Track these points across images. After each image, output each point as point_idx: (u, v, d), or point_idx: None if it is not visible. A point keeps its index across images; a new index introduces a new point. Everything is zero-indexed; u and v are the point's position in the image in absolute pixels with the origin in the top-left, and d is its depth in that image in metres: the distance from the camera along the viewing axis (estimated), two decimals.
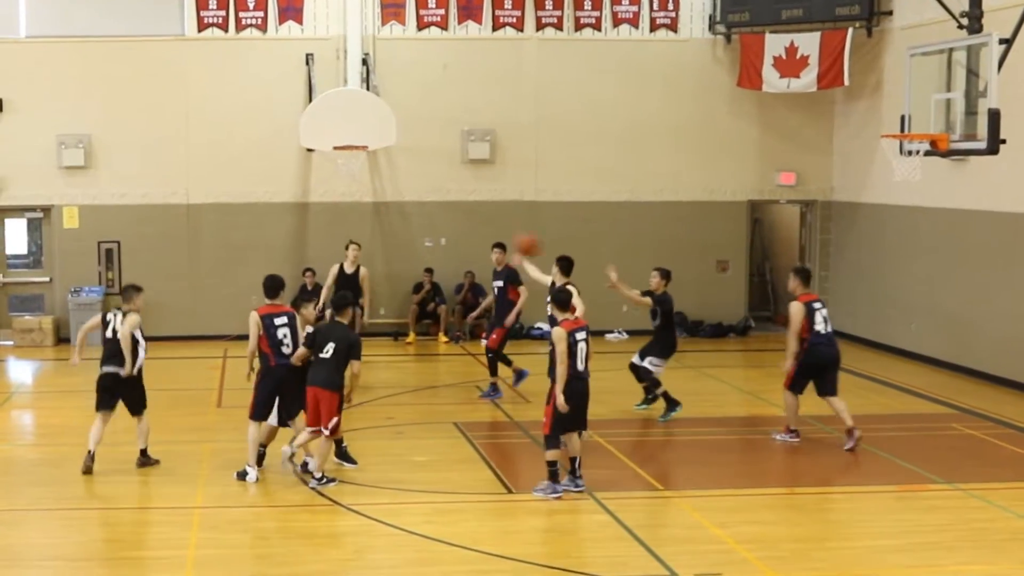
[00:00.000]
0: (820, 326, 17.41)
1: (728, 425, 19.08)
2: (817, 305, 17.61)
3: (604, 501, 14.83)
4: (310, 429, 15.48)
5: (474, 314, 27.13)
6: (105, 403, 16.20)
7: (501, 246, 21.31)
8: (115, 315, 16.20)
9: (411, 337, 27.32)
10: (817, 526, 14.57)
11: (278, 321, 15.69)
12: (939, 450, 17.72)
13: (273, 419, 15.82)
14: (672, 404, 19.20)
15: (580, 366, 15.05)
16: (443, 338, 27.33)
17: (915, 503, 15.07)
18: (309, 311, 16.35)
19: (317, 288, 27.12)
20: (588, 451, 17.35)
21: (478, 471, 16.36)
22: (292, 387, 15.63)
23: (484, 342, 21.32)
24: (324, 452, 15.55)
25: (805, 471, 16.77)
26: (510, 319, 20.67)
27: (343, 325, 15.71)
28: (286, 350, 15.66)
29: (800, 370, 17.50)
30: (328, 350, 15.39)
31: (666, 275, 19.44)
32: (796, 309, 17.48)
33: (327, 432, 15.31)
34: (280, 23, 27.14)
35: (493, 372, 20.83)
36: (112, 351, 16.07)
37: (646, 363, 19.34)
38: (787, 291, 18.72)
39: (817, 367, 17.46)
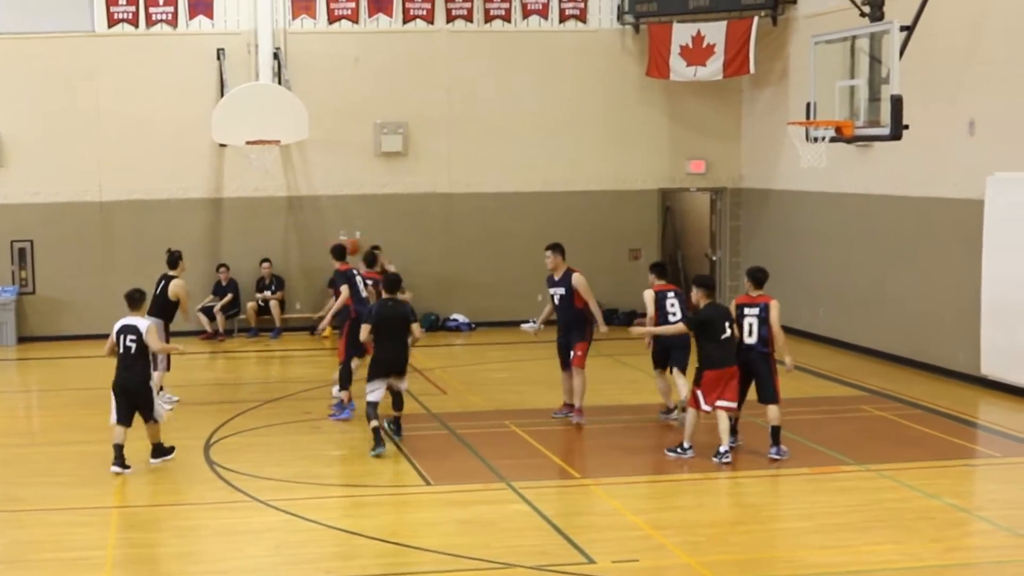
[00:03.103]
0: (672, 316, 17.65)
1: (643, 412, 19.12)
2: (670, 295, 17.77)
3: (522, 491, 14.83)
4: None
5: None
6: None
7: (558, 248, 18.41)
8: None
9: (327, 331, 27.17)
10: (732, 510, 14.69)
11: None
12: (850, 432, 17.89)
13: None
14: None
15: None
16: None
17: (827, 485, 15.19)
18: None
19: (231, 283, 27.02)
20: (505, 442, 17.40)
21: (396, 464, 16.32)
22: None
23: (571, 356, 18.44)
24: None
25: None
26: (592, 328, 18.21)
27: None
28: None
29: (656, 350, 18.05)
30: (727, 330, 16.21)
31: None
32: (648, 296, 17.98)
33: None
34: (191, 18, 26.88)
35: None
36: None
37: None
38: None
39: (665, 347, 17.91)
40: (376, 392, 16.78)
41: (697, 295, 16.64)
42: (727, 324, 16.12)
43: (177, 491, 15.49)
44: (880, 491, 14.91)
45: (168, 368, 19.74)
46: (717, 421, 16.23)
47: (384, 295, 17.13)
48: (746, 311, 16.31)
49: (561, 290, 18.02)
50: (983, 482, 16.02)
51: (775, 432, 16.35)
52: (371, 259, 21.09)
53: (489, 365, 23.70)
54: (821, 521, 13.82)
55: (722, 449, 16.07)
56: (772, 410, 16.29)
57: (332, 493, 15.16)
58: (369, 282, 19.42)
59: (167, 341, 19.45)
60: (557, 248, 18.27)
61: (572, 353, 18.11)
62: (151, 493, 15.24)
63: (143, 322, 16.14)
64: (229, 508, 14.55)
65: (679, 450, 16.40)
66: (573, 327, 18.11)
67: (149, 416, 16.10)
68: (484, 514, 14.21)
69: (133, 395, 15.98)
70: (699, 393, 16.22)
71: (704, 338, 16.20)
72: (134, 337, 15.92)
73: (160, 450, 16.33)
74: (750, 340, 16.23)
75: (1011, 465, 16.31)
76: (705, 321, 16.23)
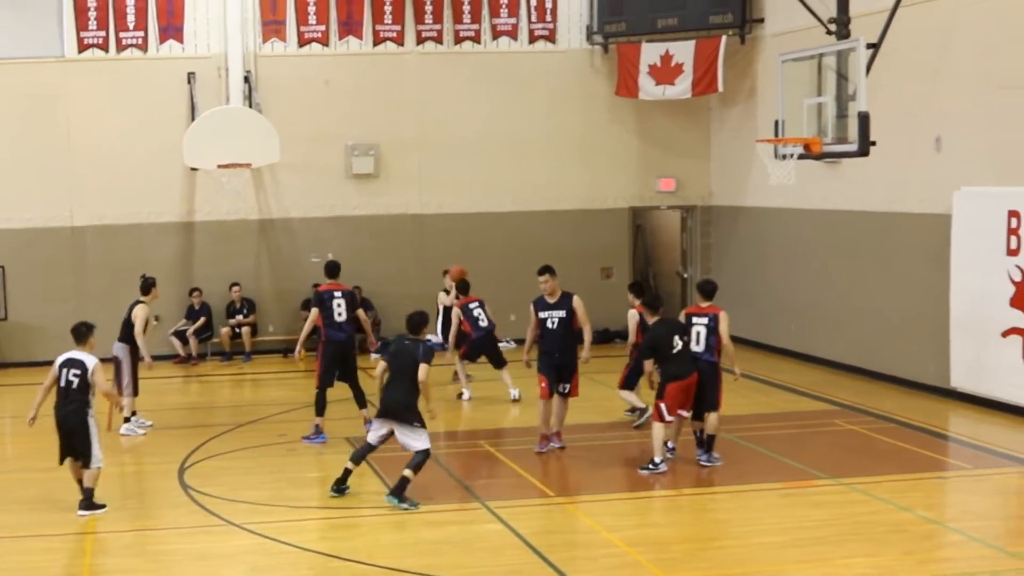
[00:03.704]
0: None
1: (616, 430, 19.17)
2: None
3: (497, 510, 14.84)
4: None
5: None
6: None
7: (553, 271, 17.83)
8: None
9: (302, 354, 27.07)
10: (706, 526, 14.72)
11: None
12: (822, 446, 17.96)
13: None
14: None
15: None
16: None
17: (800, 499, 15.24)
18: None
19: (204, 307, 26.96)
20: (480, 462, 17.40)
21: (372, 485, 16.27)
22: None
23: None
24: None
25: (691, 473, 16.86)
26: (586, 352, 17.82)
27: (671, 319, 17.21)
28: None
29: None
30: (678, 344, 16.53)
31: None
32: (632, 318, 18.79)
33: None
34: (161, 42, 26.85)
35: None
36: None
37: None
38: (670, 296, 18.95)
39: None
40: (373, 434, 15.57)
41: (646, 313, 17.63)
42: (676, 337, 16.53)
43: (151, 516, 15.45)
44: (853, 505, 14.97)
45: (136, 392, 19.71)
46: (652, 432, 16.64)
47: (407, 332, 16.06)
48: (695, 320, 16.78)
49: (561, 313, 17.49)
50: (955, 494, 16.11)
51: (710, 440, 16.74)
52: (465, 286, 21.25)
53: (458, 386, 23.63)
54: (795, 536, 13.86)
55: (656, 460, 16.46)
56: (712, 418, 16.71)
57: (308, 516, 15.13)
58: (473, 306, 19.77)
59: (136, 365, 19.46)
60: (552, 271, 17.64)
61: (565, 386, 17.65)
62: (125, 518, 15.17)
63: (90, 359, 15.33)
64: (204, 532, 14.51)
65: (651, 466, 16.46)
66: (568, 353, 17.63)
67: (87, 461, 15.21)
68: (459, 534, 14.20)
69: (70, 435, 15.19)
70: (662, 406, 16.49)
71: (659, 357, 16.60)
72: (78, 372, 15.20)
73: (90, 501, 15.19)
74: (697, 348, 16.64)
75: (982, 477, 16.40)
76: (654, 344, 16.70)
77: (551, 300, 17.53)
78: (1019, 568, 12.75)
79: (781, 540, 13.77)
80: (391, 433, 15.37)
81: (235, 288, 27.26)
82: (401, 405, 15.31)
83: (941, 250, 20.67)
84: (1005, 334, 19.50)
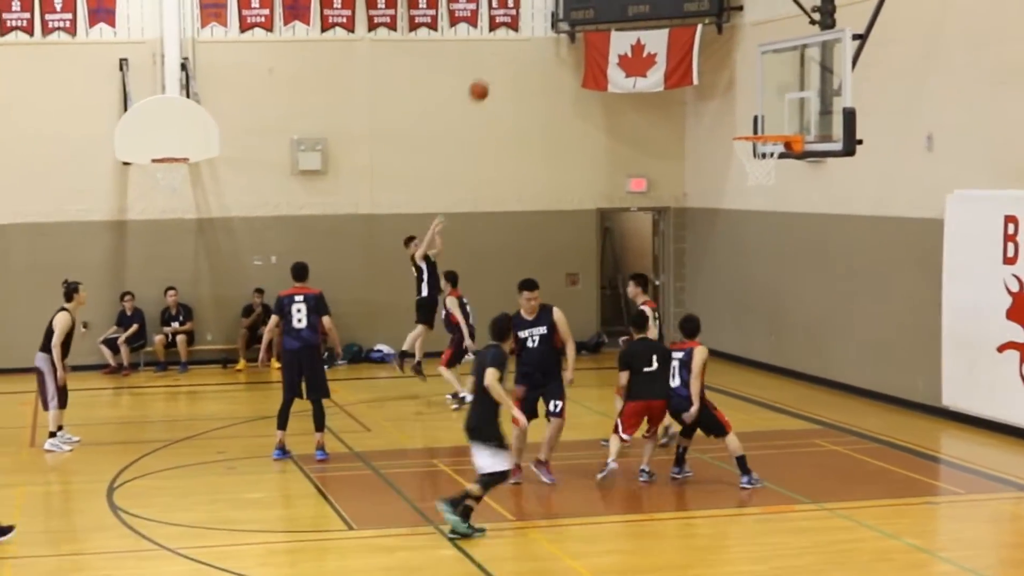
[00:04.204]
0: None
1: (581, 449, 19.12)
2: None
3: (451, 535, 14.80)
4: None
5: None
6: None
7: (535, 285, 17.26)
8: None
9: (241, 364, 27.07)
10: (678, 553, 14.68)
11: None
12: (803, 468, 17.99)
13: None
14: None
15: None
16: (276, 364, 27.04)
17: (780, 525, 15.26)
18: None
19: (137, 313, 26.81)
20: (434, 482, 17.35)
21: (316, 507, 16.25)
22: None
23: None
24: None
25: (664, 496, 16.86)
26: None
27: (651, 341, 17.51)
28: None
29: None
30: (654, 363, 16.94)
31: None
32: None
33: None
34: (91, 25, 26.72)
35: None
36: None
37: None
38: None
39: None
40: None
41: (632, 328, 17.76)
42: (654, 357, 16.94)
43: (78, 539, 15.35)
44: (836, 531, 14.99)
45: (64, 405, 19.59)
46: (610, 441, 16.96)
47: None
48: (673, 355, 17.08)
49: (542, 329, 16.98)
50: (946, 521, 16.14)
51: (740, 462, 16.84)
52: (454, 278, 21.55)
53: (417, 400, 23.62)
54: (773, 564, 13.87)
55: (610, 463, 16.80)
56: (728, 441, 16.94)
57: (247, 540, 15.05)
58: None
59: (62, 375, 19.35)
60: (536, 285, 17.12)
61: (557, 404, 17.09)
62: (49, 542, 15.07)
63: None
64: (135, 557, 14.40)
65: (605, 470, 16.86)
66: (551, 373, 17.14)
67: None
68: (411, 560, 14.16)
69: None
70: (618, 421, 16.97)
71: (631, 372, 16.94)
72: None
73: None
74: (674, 383, 16.89)
75: (975, 502, 16.44)
76: (629, 359, 17.09)
77: (529, 317, 17.10)
78: None
79: (758, 569, 13.78)
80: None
81: (170, 293, 27.11)
82: (473, 424, 15.05)
83: (932, 257, 20.74)
84: (1001, 349, 19.57)
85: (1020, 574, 13.43)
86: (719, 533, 15.32)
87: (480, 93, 18.73)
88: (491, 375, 14.74)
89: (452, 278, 22.64)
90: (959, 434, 20.05)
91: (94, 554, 14.75)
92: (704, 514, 15.96)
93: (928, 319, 20.95)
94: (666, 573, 13.71)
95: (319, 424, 18.71)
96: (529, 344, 17.02)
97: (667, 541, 15.16)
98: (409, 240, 23.86)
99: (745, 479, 16.69)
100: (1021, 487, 16.83)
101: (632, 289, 19.42)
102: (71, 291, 20.04)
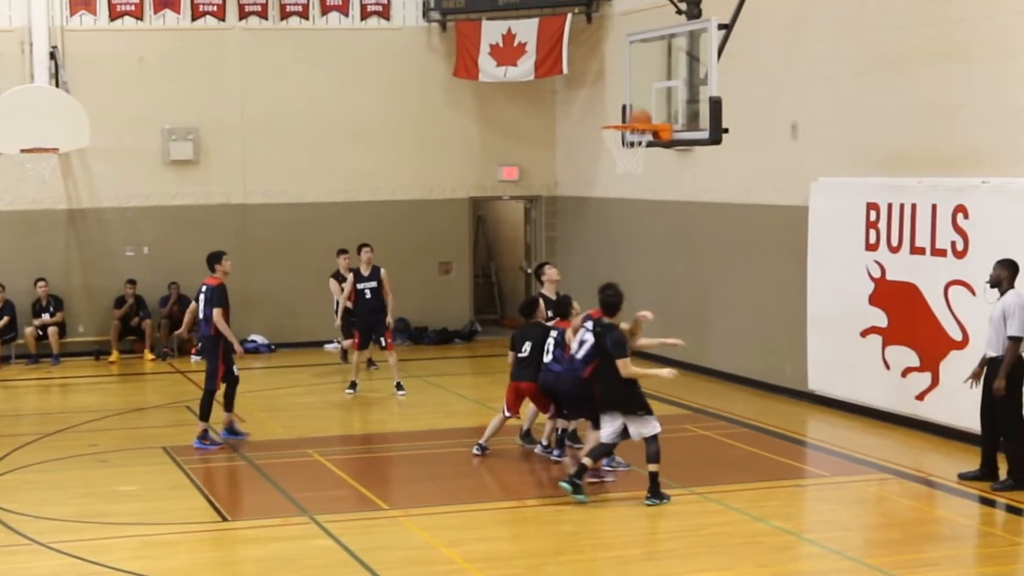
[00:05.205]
0: None
1: (455, 437, 19.15)
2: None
3: (326, 524, 14.73)
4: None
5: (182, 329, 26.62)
6: None
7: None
8: None
9: (114, 356, 26.76)
10: (550, 539, 14.71)
11: None
12: (674, 453, 17.98)
13: None
14: None
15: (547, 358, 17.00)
16: (149, 355, 26.83)
17: (651, 510, 15.33)
18: None
19: (7, 305, 26.40)
20: (308, 472, 17.28)
21: (190, 499, 16.10)
22: None
23: None
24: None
25: (534, 483, 16.94)
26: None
27: (540, 325, 17.60)
28: None
29: None
30: (526, 349, 17.34)
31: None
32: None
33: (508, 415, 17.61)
34: None
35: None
36: None
37: None
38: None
39: None
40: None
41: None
42: (528, 343, 17.46)
43: None
44: (705, 515, 15.12)
45: None
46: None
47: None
48: (551, 333, 17.38)
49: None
50: (812, 503, 16.35)
51: (561, 437, 17.58)
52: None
53: (290, 389, 23.52)
54: (645, 548, 14.01)
55: (546, 445, 17.78)
56: (592, 437, 16.77)
57: (120, 533, 14.86)
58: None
59: None
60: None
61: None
62: None
63: None
64: (6, 552, 14.18)
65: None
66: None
67: None
68: (285, 551, 14.07)
69: None
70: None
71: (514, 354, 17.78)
72: None
73: None
74: (547, 359, 17.12)
75: (840, 484, 16.65)
76: (511, 344, 17.96)
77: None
78: None
79: (631, 553, 13.90)
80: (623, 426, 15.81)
81: (41, 284, 26.71)
82: (612, 399, 15.84)
83: (798, 244, 20.99)
84: (864, 333, 19.86)
85: (884, 554, 13.61)
86: (590, 519, 15.34)
87: (643, 119, 18.63)
88: (623, 365, 15.69)
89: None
90: (825, 418, 20.33)
91: None
92: (573, 500, 16.00)
93: (795, 305, 21.21)
94: (539, 559, 13.72)
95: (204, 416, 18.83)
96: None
97: (538, 527, 15.17)
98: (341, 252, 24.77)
99: (606, 462, 16.83)
100: (884, 469, 17.11)
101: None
102: None
